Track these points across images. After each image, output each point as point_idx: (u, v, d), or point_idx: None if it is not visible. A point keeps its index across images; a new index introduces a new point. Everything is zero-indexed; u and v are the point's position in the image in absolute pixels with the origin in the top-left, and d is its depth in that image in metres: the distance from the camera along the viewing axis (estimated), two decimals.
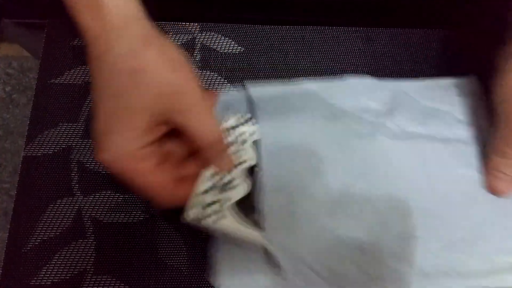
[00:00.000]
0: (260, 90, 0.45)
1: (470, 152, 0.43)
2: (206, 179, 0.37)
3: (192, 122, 0.34)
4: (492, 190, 0.41)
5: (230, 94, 0.46)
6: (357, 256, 0.39)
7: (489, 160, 0.41)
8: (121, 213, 0.42)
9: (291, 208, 0.40)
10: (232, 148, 0.39)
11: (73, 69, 0.47)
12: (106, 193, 0.42)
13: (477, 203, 0.42)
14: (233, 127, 0.40)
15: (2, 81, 0.69)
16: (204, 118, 0.34)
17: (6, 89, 0.69)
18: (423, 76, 0.48)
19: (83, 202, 0.42)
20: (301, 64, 0.49)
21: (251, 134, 0.40)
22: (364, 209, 0.41)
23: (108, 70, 0.32)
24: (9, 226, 0.41)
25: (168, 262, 0.41)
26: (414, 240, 0.40)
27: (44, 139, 0.44)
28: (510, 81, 0.38)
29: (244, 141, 0.40)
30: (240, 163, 0.39)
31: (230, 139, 0.39)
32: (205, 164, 0.36)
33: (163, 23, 0.50)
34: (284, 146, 0.42)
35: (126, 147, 0.32)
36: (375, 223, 0.40)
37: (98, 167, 0.43)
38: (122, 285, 0.40)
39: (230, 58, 0.49)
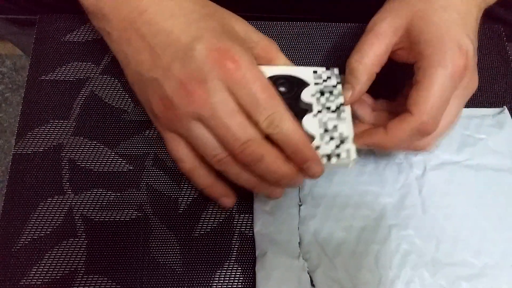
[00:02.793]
0: None
1: (501, 181, 0.44)
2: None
3: None
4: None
5: None
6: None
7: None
8: (113, 211, 0.41)
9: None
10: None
11: (64, 65, 0.46)
12: (97, 191, 0.42)
13: (508, 229, 0.43)
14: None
15: None
16: None
17: None
18: None
19: (74, 200, 0.41)
20: (302, 61, 0.49)
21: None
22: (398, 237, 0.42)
23: None
24: None
25: (161, 261, 0.40)
26: (448, 268, 0.41)
27: (34, 136, 0.43)
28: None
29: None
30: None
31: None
32: None
33: None
34: None
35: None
36: (408, 252, 0.41)
37: (89, 164, 0.43)
38: (113, 285, 0.39)
39: None
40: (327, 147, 0.36)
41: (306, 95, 0.37)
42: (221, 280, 0.40)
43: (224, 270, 0.40)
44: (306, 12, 0.56)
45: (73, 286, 0.39)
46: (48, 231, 0.40)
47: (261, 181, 0.35)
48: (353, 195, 0.43)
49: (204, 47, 0.32)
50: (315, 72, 0.38)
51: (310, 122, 0.36)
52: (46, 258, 0.39)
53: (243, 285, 0.40)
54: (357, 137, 0.37)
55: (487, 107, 0.48)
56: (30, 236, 0.40)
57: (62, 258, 0.39)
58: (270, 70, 0.37)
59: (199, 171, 0.36)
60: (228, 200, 0.37)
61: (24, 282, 0.39)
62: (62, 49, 0.47)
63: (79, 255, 0.40)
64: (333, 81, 0.38)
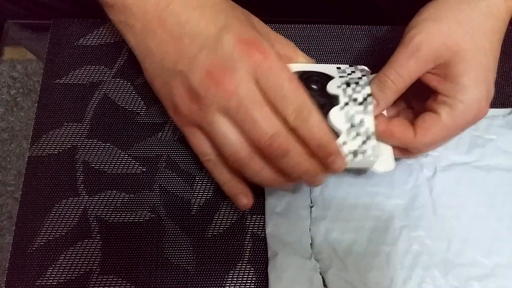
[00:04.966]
0: None
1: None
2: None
3: None
4: None
5: None
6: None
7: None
8: (127, 213, 0.42)
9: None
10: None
11: (78, 69, 0.47)
12: (111, 192, 0.42)
13: None
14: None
15: (6, 84, 0.69)
16: None
17: (11, 92, 0.69)
18: None
19: (89, 202, 0.42)
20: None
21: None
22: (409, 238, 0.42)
23: None
24: (14, 227, 0.41)
25: (174, 261, 0.40)
26: (459, 268, 0.41)
27: (49, 139, 0.44)
28: (417, 15, 0.37)
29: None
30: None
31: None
32: None
33: None
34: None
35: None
36: (419, 252, 0.41)
37: (103, 166, 0.43)
38: (128, 285, 0.39)
39: None
40: (352, 144, 0.35)
41: (332, 87, 0.36)
42: (234, 280, 0.40)
43: (237, 270, 0.41)
44: (314, 15, 0.56)
45: (88, 286, 0.39)
46: (63, 232, 0.41)
47: (279, 177, 0.35)
48: (363, 196, 0.43)
49: (233, 36, 0.31)
50: (338, 68, 0.38)
51: (336, 115, 0.35)
52: (61, 259, 0.40)
53: (256, 285, 0.40)
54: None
55: (497, 108, 0.48)
56: (45, 237, 0.40)
57: (77, 259, 0.40)
58: (293, 67, 0.36)
59: (220, 167, 0.35)
60: (245, 199, 0.37)
61: (40, 283, 0.39)
62: (76, 53, 0.47)
63: (94, 256, 0.40)
64: (358, 74, 0.37)
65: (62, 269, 0.40)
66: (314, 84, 0.37)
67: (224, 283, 0.40)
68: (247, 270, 0.41)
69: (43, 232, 0.41)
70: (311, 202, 0.43)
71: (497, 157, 0.45)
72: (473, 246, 0.42)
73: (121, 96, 0.46)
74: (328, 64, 0.38)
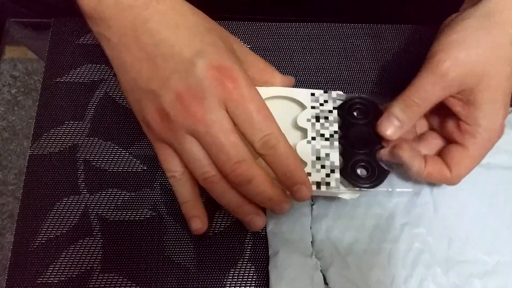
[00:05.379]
0: None
1: None
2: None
3: None
4: (380, 131, 0.39)
5: None
6: None
7: (392, 103, 0.39)
8: (128, 211, 0.42)
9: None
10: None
11: (79, 67, 0.47)
12: (112, 191, 0.42)
13: None
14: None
15: (7, 83, 0.69)
16: None
17: (12, 91, 0.69)
18: None
19: (90, 200, 0.42)
20: (308, 61, 0.49)
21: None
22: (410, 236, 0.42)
23: None
24: (15, 225, 0.41)
25: (175, 259, 0.40)
26: (460, 266, 0.41)
27: (50, 137, 0.44)
28: (443, 35, 0.37)
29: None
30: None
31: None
32: None
33: None
34: None
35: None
36: (421, 250, 0.41)
37: (104, 165, 0.43)
38: (129, 283, 0.39)
39: None
40: (317, 175, 0.37)
41: (302, 120, 0.38)
42: (235, 278, 0.40)
43: (238, 268, 0.41)
44: (315, 14, 0.56)
45: (89, 284, 0.39)
46: (64, 230, 0.41)
47: (243, 204, 0.35)
48: (365, 194, 0.43)
49: (205, 63, 0.32)
50: (312, 94, 0.39)
51: (303, 148, 0.37)
52: (62, 257, 0.40)
53: (257, 283, 0.40)
54: (407, 151, 0.38)
55: None
56: (46, 235, 0.41)
57: (78, 257, 0.40)
58: (267, 91, 0.37)
59: (185, 184, 0.35)
60: (199, 223, 0.36)
61: (41, 280, 0.39)
62: (76, 51, 0.47)
63: (95, 254, 0.40)
64: (330, 105, 0.39)
65: (63, 267, 0.40)
66: (362, 115, 0.40)
67: (225, 281, 0.40)
68: (248, 268, 0.41)
69: (44, 230, 0.41)
70: (312, 200, 0.43)
71: (498, 156, 0.45)
72: (474, 244, 0.42)
73: (122, 94, 0.46)
74: (302, 89, 0.39)
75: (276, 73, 0.38)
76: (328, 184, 0.36)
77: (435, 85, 0.36)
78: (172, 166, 0.35)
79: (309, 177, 0.36)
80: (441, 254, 0.41)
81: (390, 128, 0.38)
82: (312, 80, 0.48)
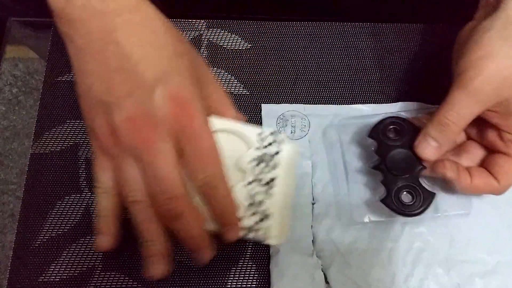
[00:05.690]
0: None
1: None
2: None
3: None
4: (418, 153, 0.39)
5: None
6: None
7: (427, 124, 0.39)
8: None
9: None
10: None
11: None
12: None
13: None
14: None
15: (8, 83, 0.69)
16: None
17: (13, 91, 0.69)
18: (431, 72, 0.47)
19: (91, 199, 0.42)
20: (309, 60, 0.49)
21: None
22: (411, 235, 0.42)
23: None
24: (17, 223, 0.41)
25: (176, 258, 0.40)
26: (461, 265, 0.41)
27: (51, 136, 0.44)
28: (469, 51, 0.37)
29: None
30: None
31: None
32: None
33: (169, 20, 0.49)
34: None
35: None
36: (422, 249, 0.42)
37: None
38: (130, 281, 0.39)
39: (238, 55, 0.49)
40: (248, 220, 0.36)
41: (243, 162, 0.38)
42: (236, 277, 0.40)
43: (239, 267, 0.41)
44: (317, 13, 0.56)
45: (91, 282, 0.39)
46: (66, 229, 0.41)
47: (157, 240, 0.34)
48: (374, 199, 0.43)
49: (164, 91, 0.31)
50: (259, 134, 0.38)
51: (239, 191, 0.37)
52: (64, 256, 0.40)
53: (258, 282, 0.40)
54: (449, 169, 0.38)
55: None
56: (48, 234, 0.41)
57: (79, 255, 0.40)
58: (218, 123, 0.37)
59: (108, 200, 0.34)
60: (104, 239, 0.35)
61: (42, 279, 0.39)
62: None
63: (97, 252, 0.40)
64: (275, 148, 0.38)
65: (65, 265, 0.40)
66: (397, 135, 0.40)
67: (226, 280, 0.40)
68: (249, 266, 0.41)
69: (46, 229, 0.41)
70: (313, 200, 0.43)
71: None
72: (476, 243, 0.42)
73: None
74: (252, 127, 0.38)
75: (231, 107, 0.37)
76: (257, 231, 0.36)
77: (469, 102, 0.36)
78: (104, 178, 0.34)
79: (240, 221, 0.36)
80: (441, 254, 0.41)
81: (428, 149, 0.39)
82: (313, 79, 0.48)
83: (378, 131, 0.41)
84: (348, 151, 0.44)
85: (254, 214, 0.37)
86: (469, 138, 0.42)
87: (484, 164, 0.40)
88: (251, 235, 0.37)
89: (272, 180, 0.38)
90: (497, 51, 0.36)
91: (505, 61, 0.36)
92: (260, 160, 0.38)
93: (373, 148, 0.41)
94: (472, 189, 0.39)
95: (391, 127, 0.41)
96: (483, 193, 0.40)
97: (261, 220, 0.37)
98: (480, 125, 0.40)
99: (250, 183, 0.38)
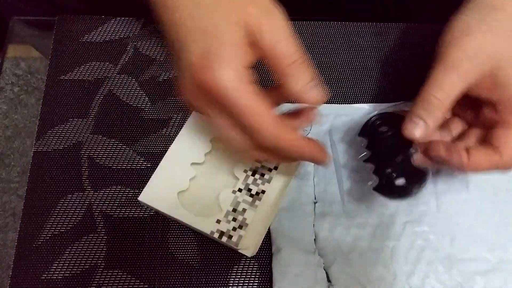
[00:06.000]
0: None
1: None
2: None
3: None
4: (407, 134, 0.37)
5: None
6: None
7: (413, 105, 0.38)
8: (131, 208, 0.42)
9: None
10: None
11: (83, 65, 0.47)
12: (116, 187, 0.42)
13: None
14: None
15: (10, 82, 0.69)
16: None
17: (15, 90, 0.69)
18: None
19: (94, 197, 0.42)
20: (311, 60, 0.49)
21: None
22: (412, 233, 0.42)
23: None
24: (20, 221, 0.41)
25: (179, 256, 0.41)
26: (463, 263, 0.41)
27: (54, 134, 0.44)
28: (449, 30, 0.37)
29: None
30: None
31: None
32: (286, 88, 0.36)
33: None
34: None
35: (233, 63, 0.31)
36: (423, 247, 0.42)
37: (108, 162, 0.43)
38: (133, 280, 0.40)
39: None
40: (226, 225, 0.38)
41: (239, 170, 0.39)
42: (238, 275, 0.40)
43: (241, 266, 0.41)
44: (318, 12, 0.56)
45: (93, 280, 0.39)
46: (69, 227, 0.41)
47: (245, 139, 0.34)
48: (367, 192, 0.43)
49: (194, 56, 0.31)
50: None
51: (226, 195, 0.38)
52: (66, 254, 0.40)
53: (260, 280, 0.40)
54: (442, 149, 0.37)
55: None
56: (51, 232, 0.41)
57: (82, 253, 0.40)
58: None
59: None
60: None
61: (45, 277, 0.39)
62: (81, 49, 0.48)
63: (99, 250, 0.40)
64: (272, 164, 0.40)
65: (67, 263, 0.40)
66: (382, 127, 0.40)
67: (228, 278, 0.40)
68: (251, 265, 0.41)
69: (48, 227, 0.41)
70: (315, 198, 0.43)
71: None
72: (477, 241, 0.42)
73: (125, 92, 0.46)
74: None
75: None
76: (230, 237, 0.37)
77: (452, 77, 0.36)
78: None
79: (217, 224, 0.37)
80: (443, 252, 0.41)
81: (415, 129, 0.37)
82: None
83: (367, 129, 0.41)
84: (340, 150, 0.45)
85: (233, 220, 0.38)
86: (468, 124, 0.41)
87: (483, 143, 0.38)
88: (224, 239, 0.37)
89: (261, 192, 0.39)
90: (472, 28, 0.36)
91: (480, 35, 0.36)
92: (256, 171, 0.40)
93: (362, 145, 0.41)
94: (472, 167, 0.37)
95: (379, 122, 0.40)
96: (486, 170, 0.38)
97: (237, 228, 0.38)
98: (475, 108, 0.39)
99: (239, 190, 0.39)
